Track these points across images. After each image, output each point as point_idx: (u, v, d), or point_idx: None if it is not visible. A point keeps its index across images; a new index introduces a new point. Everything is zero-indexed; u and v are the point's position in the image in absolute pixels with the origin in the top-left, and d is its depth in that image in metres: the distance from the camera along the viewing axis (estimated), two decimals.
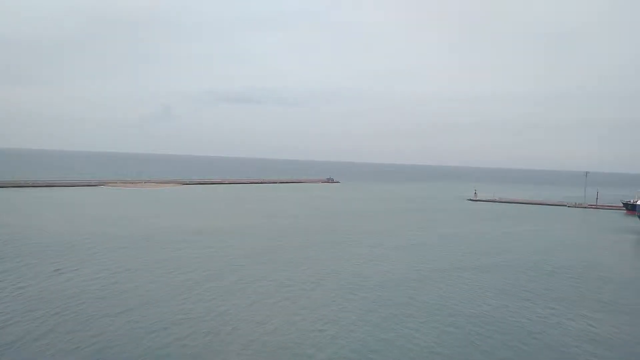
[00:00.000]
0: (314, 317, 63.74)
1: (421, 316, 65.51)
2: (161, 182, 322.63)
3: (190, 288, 76.74)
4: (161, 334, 56.14)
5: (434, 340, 55.74)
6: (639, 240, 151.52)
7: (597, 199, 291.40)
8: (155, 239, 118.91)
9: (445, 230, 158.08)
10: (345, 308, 68.03)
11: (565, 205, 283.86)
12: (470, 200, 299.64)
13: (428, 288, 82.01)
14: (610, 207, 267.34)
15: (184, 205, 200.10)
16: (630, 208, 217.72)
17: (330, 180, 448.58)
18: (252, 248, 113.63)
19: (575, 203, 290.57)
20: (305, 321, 60.77)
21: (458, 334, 57.80)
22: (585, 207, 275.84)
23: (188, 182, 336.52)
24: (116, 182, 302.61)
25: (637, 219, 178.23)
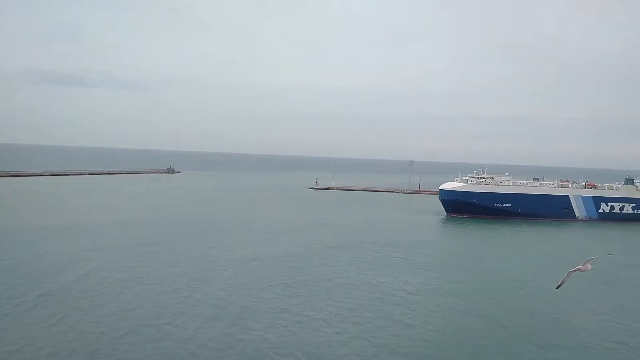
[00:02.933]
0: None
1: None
2: None
3: None
4: None
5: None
6: (441, 219, 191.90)
7: (419, 185, 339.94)
8: None
9: (289, 217, 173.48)
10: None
11: (394, 192, 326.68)
12: (313, 188, 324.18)
13: (280, 268, 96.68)
14: (430, 192, 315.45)
15: None
16: None
17: (170, 171, 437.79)
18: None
19: (402, 189, 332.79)
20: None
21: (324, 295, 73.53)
22: (410, 193, 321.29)
23: None
24: None
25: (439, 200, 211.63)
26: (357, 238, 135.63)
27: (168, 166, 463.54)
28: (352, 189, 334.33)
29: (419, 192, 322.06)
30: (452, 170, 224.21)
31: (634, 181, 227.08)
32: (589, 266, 38.83)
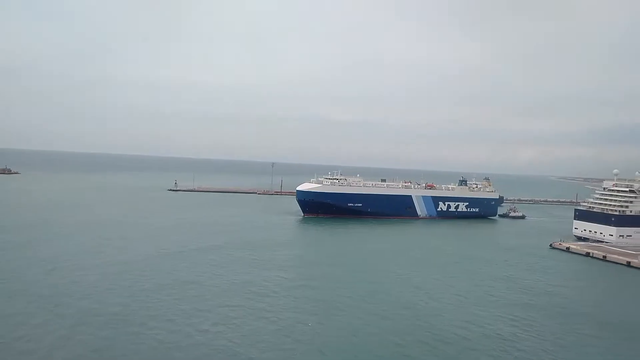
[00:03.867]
0: None
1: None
2: None
3: None
4: None
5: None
6: (298, 219, 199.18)
7: (281, 186, 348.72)
8: None
9: (151, 220, 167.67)
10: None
11: (256, 193, 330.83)
12: (171, 190, 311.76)
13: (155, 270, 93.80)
14: (291, 193, 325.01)
15: None
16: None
17: (6, 171, 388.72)
18: None
19: (264, 190, 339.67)
20: None
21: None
22: (272, 194, 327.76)
23: None
24: None
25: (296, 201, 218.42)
26: (216, 240, 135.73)
27: (3, 166, 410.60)
28: (214, 190, 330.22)
29: (280, 193, 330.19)
30: (312, 172, 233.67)
31: (467, 182, 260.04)
32: None
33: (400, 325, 73.82)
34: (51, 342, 60.27)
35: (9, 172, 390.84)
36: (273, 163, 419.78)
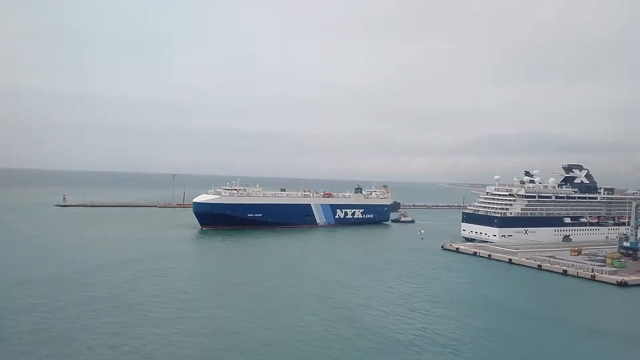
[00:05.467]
0: None
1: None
2: None
3: None
4: None
5: None
6: (196, 232, 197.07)
7: (183, 198, 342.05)
8: None
9: (41, 239, 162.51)
10: None
11: (156, 206, 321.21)
12: (59, 205, 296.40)
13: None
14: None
15: None
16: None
17: None
18: None
19: (165, 203, 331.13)
20: None
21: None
22: (174, 207, 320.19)
23: None
24: None
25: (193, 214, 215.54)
26: (107, 258, 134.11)
27: None
28: (109, 204, 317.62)
29: (182, 205, 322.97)
30: (216, 183, 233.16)
31: (362, 190, 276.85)
32: None
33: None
34: None
35: None
36: (174, 174, 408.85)
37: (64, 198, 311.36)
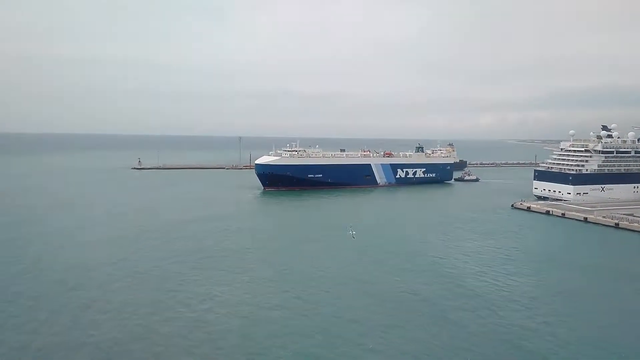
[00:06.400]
0: None
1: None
2: None
3: None
4: None
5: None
6: (259, 193, 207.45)
7: (250, 160, 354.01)
8: None
9: (116, 199, 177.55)
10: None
11: (224, 168, 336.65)
12: (135, 168, 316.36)
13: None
14: None
15: None
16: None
17: None
18: None
19: (233, 165, 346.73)
20: None
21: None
22: (241, 168, 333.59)
23: None
24: None
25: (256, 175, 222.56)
26: (188, 215, 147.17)
27: None
28: (180, 167, 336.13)
29: (249, 167, 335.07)
30: (277, 144, 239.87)
31: (423, 149, 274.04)
32: None
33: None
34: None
35: None
36: (240, 137, 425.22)
37: (139, 161, 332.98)
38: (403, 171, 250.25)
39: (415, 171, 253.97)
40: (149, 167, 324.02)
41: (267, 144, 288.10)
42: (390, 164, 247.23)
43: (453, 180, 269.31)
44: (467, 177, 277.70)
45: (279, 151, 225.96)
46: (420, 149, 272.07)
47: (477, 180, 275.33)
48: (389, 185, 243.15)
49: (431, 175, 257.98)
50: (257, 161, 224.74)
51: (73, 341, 59.98)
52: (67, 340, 60.30)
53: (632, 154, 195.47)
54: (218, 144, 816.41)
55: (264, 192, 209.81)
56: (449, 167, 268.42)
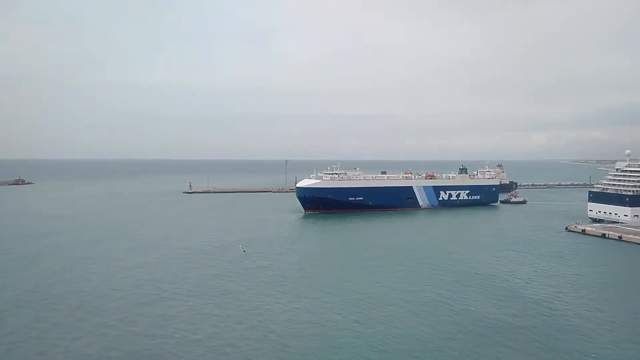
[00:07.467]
0: None
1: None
2: None
3: None
4: None
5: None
6: (299, 216, 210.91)
7: (296, 183, 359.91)
8: None
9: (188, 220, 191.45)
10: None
11: (271, 191, 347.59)
12: (186, 192, 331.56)
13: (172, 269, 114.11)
14: None
15: None
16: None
17: (20, 182, 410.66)
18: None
19: (279, 188, 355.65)
20: None
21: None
22: (287, 191, 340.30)
23: None
24: None
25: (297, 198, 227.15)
26: (236, 236, 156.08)
27: (16, 176, 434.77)
28: (229, 190, 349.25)
29: (295, 190, 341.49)
30: (319, 167, 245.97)
31: (467, 170, 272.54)
32: None
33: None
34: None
35: (23, 182, 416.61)
36: (286, 160, 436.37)
37: (190, 185, 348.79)
38: (446, 193, 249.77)
39: (459, 193, 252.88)
40: (199, 190, 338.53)
41: (311, 167, 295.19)
42: (432, 186, 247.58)
43: (499, 202, 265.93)
44: (513, 199, 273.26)
45: (319, 174, 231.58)
46: (463, 170, 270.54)
47: (524, 202, 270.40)
48: (431, 208, 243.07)
49: (475, 197, 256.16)
50: (298, 184, 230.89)
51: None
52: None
53: None
54: (265, 167, 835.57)
55: (306, 215, 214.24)
56: (494, 189, 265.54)
